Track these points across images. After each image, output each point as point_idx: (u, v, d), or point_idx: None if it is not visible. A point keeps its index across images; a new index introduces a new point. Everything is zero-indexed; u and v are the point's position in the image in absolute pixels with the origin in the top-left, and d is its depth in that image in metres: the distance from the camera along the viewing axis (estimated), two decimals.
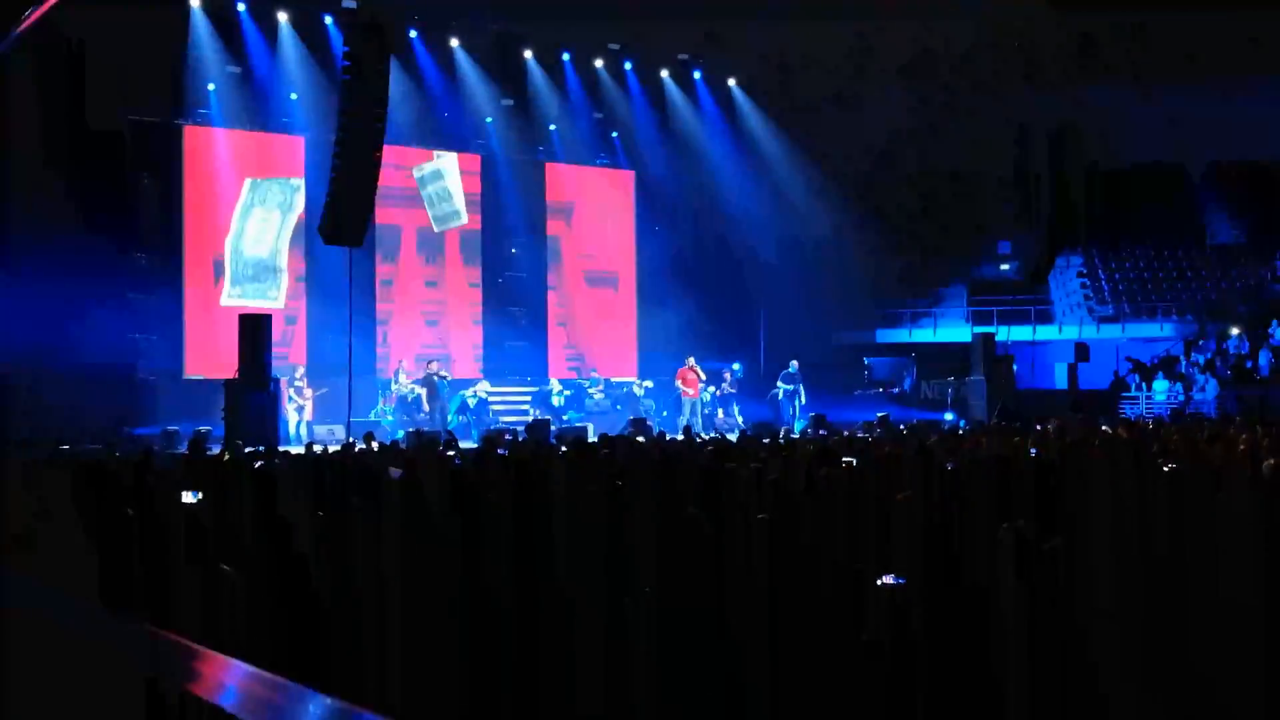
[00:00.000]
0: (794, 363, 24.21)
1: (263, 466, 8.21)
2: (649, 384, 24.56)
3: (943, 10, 26.94)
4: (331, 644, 4.32)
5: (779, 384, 24.18)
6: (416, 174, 24.40)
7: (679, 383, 23.20)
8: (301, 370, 21.05)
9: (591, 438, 17.27)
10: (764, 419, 23.20)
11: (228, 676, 2.41)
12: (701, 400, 23.36)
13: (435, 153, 24.62)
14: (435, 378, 21.32)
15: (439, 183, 24.65)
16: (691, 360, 23.29)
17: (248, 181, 22.43)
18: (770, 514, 4.26)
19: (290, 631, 4.23)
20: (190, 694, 2.28)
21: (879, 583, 4.31)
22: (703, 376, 23.41)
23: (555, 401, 23.27)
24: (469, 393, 22.14)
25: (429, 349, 23.69)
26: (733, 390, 24.29)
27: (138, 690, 2.53)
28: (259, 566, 4.42)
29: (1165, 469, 6.05)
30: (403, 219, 24.19)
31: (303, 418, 20.56)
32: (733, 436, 18.28)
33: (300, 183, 22.82)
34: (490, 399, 22.65)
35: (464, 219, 24.92)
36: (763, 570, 3.97)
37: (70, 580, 4.82)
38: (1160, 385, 26.18)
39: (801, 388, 23.95)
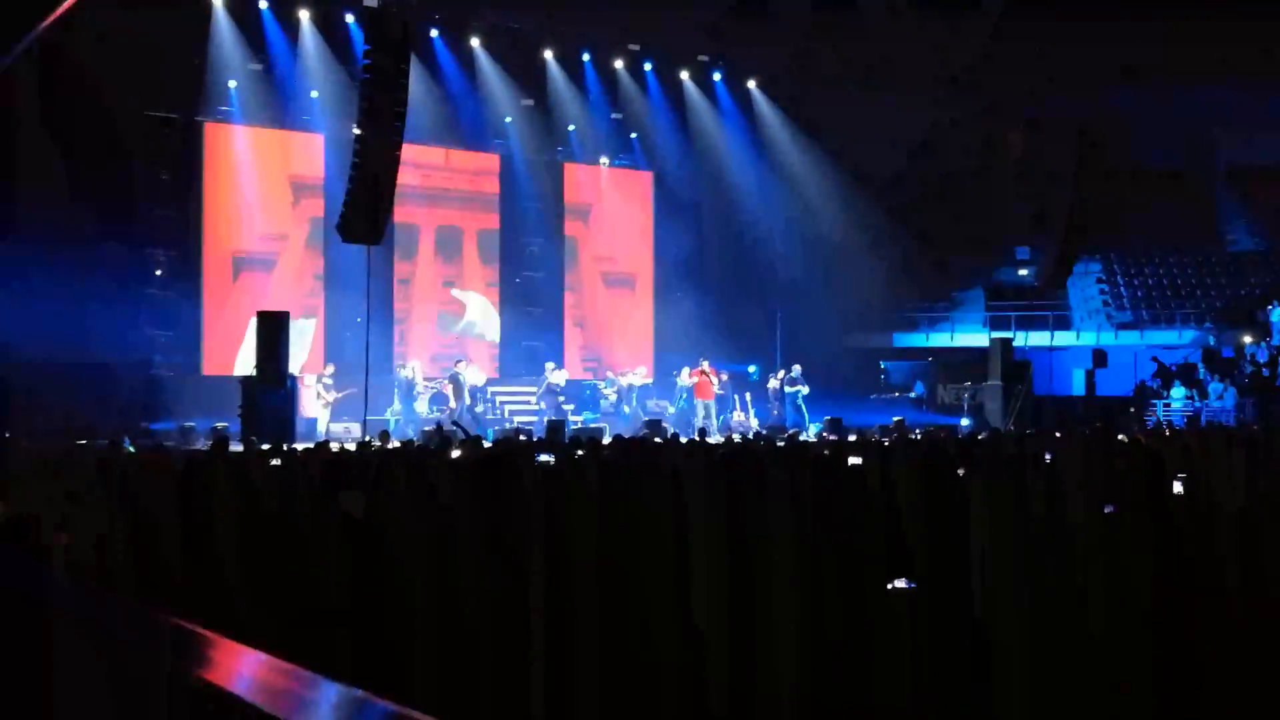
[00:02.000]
0: (797, 367, 24.05)
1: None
2: (643, 370, 24.47)
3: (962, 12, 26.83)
4: None
5: (786, 388, 24.03)
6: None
7: (693, 383, 23.17)
8: (332, 369, 21.10)
9: (606, 439, 17.25)
10: (780, 421, 23.16)
11: (244, 665, 2.42)
12: (715, 403, 23.32)
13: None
14: (461, 376, 21.41)
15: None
16: (705, 363, 23.24)
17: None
18: None
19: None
20: (207, 682, 2.28)
21: (889, 586, 4.28)
22: (715, 378, 23.32)
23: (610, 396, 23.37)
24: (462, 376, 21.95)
25: (446, 349, 23.74)
26: (721, 392, 24.10)
27: (155, 678, 2.53)
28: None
29: None
30: (421, 218, 24.23)
31: (327, 415, 20.68)
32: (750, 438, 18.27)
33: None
34: (484, 389, 22.58)
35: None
36: None
37: (88, 569, 4.85)
38: (1178, 393, 26.05)
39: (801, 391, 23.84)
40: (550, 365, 23.23)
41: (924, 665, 3.97)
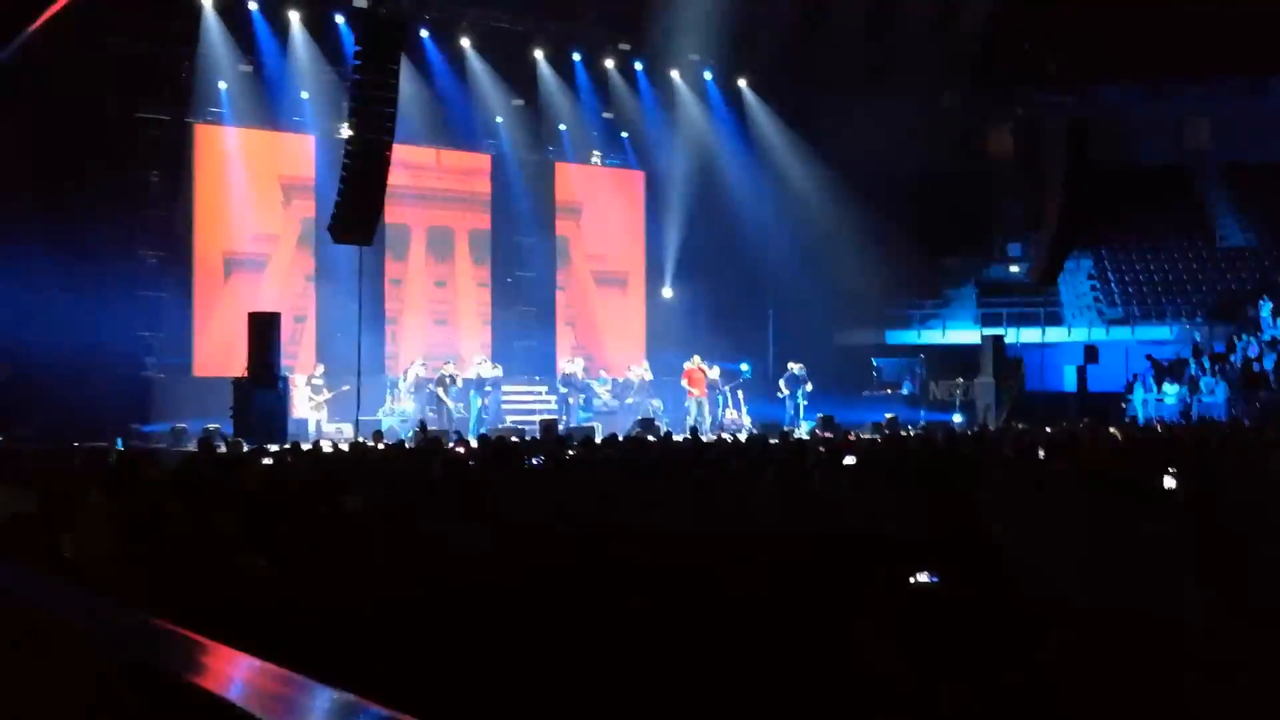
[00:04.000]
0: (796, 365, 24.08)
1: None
2: (646, 372, 24.38)
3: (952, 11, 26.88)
4: None
5: (784, 385, 24.06)
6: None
7: (685, 382, 23.15)
8: (322, 370, 21.11)
9: (598, 438, 17.24)
10: (773, 419, 23.17)
11: (234, 669, 2.41)
12: (709, 400, 23.33)
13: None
14: (447, 378, 21.42)
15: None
16: (697, 359, 23.22)
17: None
18: None
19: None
20: (196, 686, 2.27)
21: (912, 580, 4.29)
22: (710, 375, 23.32)
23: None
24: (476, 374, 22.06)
25: (437, 348, 23.72)
26: (722, 391, 24.12)
27: (143, 682, 2.52)
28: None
29: None
30: (412, 218, 24.19)
31: (321, 416, 20.70)
32: (741, 436, 18.30)
33: None
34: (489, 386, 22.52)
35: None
36: None
37: (77, 571, 4.83)
38: (1169, 388, 26.07)
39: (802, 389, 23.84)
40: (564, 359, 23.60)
41: None
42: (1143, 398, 25.57)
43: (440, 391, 21.25)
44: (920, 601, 4.14)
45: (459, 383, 21.91)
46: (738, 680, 3.78)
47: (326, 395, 20.77)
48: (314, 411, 20.78)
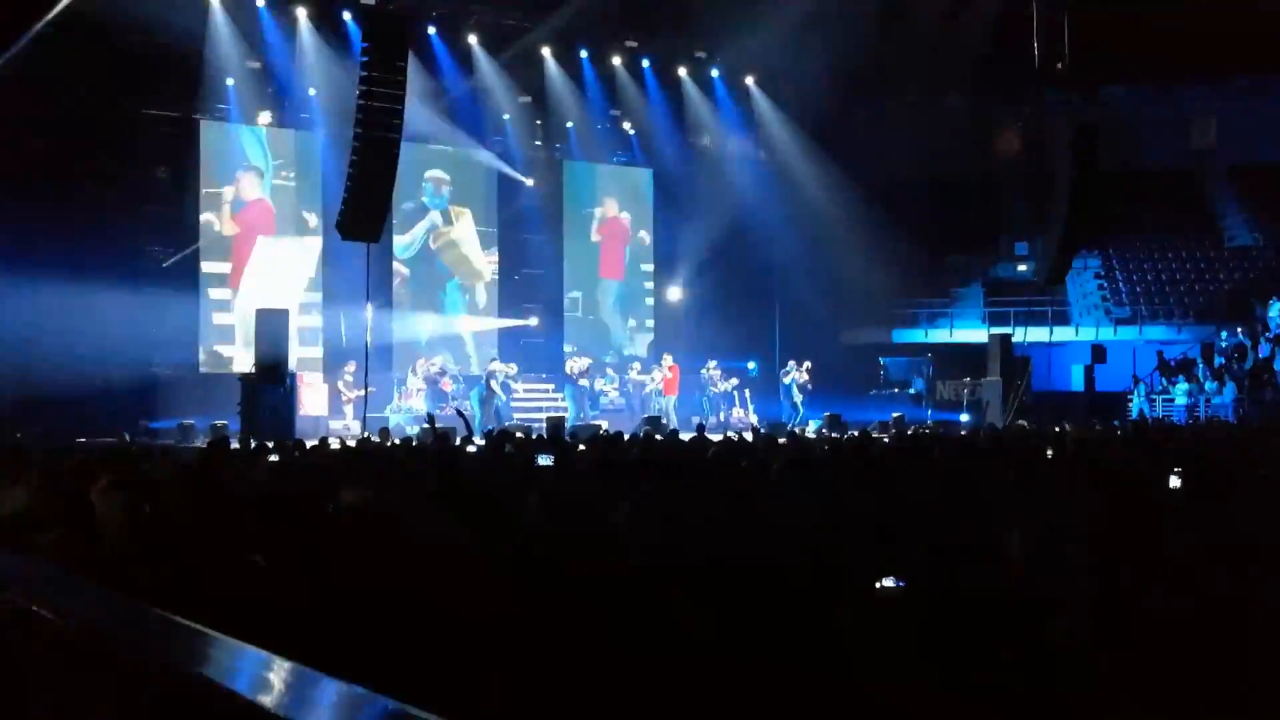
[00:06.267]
0: (796, 363, 24.19)
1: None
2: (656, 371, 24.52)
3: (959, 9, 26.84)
4: None
5: (782, 379, 24.19)
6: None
7: (661, 382, 23.46)
8: (353, 366, 21.12)
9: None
10: (778, 417, 23.18)
11: (243, 662, 2.41)
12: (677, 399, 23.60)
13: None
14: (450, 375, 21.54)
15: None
16: (668, 359, 23.51)
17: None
18: None
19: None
20: (205, 679, 2.28)
21: (879, 585, 4.28)
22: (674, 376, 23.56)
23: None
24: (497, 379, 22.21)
25: (444, 346, 23.77)
26: (717, 390, 24.21)
27: (151, 677, 2.53)
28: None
29: None
30: (420, 215, 24.23)
31: (351, 413, 20.89)
32: (748, 435, 18.28)
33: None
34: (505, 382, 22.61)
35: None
36: None
37: (85, 566, 4.84)
38: (1177, 388, 26.02)
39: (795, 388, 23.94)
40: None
41: None
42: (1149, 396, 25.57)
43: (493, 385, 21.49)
44: (925, 602, 4.14)
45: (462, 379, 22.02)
46: (746, 681, 3.78)
47: (357, 393, 20.83)
48: (345, 407, 20.98)
